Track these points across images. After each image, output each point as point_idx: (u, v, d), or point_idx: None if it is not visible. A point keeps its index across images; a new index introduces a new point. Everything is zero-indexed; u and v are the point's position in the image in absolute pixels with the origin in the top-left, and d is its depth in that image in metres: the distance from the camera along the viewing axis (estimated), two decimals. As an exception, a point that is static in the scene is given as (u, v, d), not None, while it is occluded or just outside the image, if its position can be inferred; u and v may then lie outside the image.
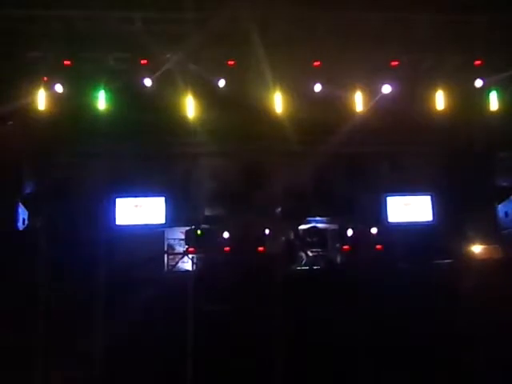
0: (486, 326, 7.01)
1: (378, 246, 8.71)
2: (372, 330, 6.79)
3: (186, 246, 8.73)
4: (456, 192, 9.02)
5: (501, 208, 9.33)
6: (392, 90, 8.51)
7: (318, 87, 8.46)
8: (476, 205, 8.94)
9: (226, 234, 8.68)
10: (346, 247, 8.73)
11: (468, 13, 7.53)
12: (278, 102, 8.53)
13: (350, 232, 8.81)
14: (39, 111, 8.08)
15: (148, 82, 8.15)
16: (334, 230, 9.06)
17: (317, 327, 6.79)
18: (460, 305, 7.16)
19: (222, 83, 8.38)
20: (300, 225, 9.00)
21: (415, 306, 6.98)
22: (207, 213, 9.28)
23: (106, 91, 8.27)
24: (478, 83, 8.51)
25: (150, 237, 8.73)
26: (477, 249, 8.58)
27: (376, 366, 6.69)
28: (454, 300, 7.20)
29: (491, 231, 8.98)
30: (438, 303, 7.20)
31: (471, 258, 8.48)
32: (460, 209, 8.86)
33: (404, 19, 7.80)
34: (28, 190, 9.02)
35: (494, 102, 8.65)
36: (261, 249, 8.66)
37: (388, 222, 9.08)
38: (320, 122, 8.95)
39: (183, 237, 8.83)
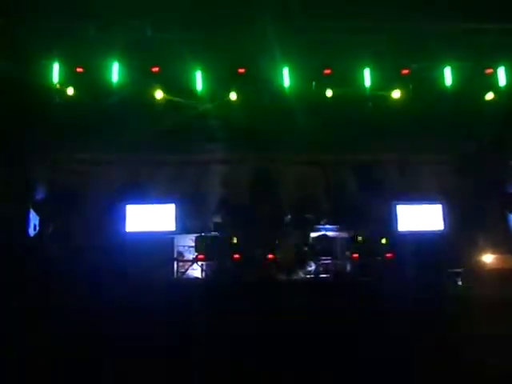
0: (498, 336, 6.92)
1: (388, 255, 8.66)
2: (379, 337, 6.72)
3: (196, 253, 8.72)
4: (467, 201, 8.97)
5: (513, 217, 9.27)
6: (402, 98, 8.54)
7: (328, 94, 8.52)
8: (488, 213, 8.89)
9: (235, 242, 8.69)
10: (355, 255, 8.69)
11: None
12: (288, 110, 8.59)
13: (359, 240, 8.77)
14: (52, 117, 8.19)
15: (159, 94, 8.24)
16: (343, 238, 9.02)
17: (323, 335, 6.73)
18: (471, 315, 7.08)
19: (232, 91, 8.45)
20: (310, 233, 8.98)
21: (425, 314, 6.92)
22: (217, 220, 9.28)
23: (117, 98, 8.36)
24: (489, 96, 8.54)
25: (159, 244, 8.74)
26: (488, 258, 8.50)
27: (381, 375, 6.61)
28: (465, 310, 7.13)
29: (503, 240, 8.90)
30: (448, 312, 7.13)
31: (483, 267, 8.39)
32: (471, 218, 8.80)
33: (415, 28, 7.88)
34: (39, 196, 9.09)
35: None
36: (270, 256, 8.66)
37: (398, 231, 9.02)
38: (330, 129, 8.99)
39: (193, 244, 8.83)
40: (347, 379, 6.40)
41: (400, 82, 8.53)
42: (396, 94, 8.59)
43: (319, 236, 8.98)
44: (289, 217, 9.26)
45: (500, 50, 8.22)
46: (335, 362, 6.46)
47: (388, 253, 8.67)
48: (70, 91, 8.10)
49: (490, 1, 7.24)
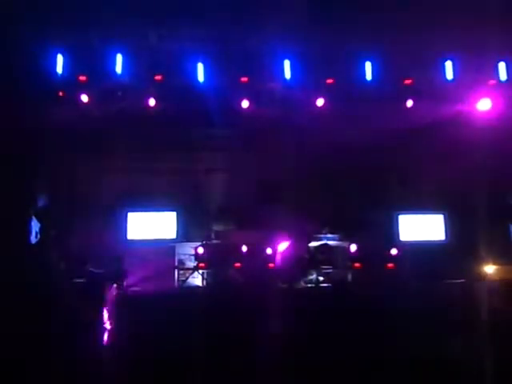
0: (500, 347, 6.90)
1: (390, 265, 8.65)
2: (380, 349, 6.69)
3: (197, 262, 8.71)
4: (469, 211, 8.96)
5: (515, 227, 9.24)
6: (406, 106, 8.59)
7: (330, 103, 8.55)
8: (489, 224, 8.87)
9: (236, 250, 8.70)
10: (356, 265, 8.68)
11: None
12: (290, 118, 8.62)
13: (361, 250, 8.76)
14: (54, 125, 8.19)
15: (152, 101, 8.26)
16: (344, 247, 9.01)
17: (326, 344, 6.71)
18: (473, 325, 7.06)
19: (234, 98, 8.48)
20: (311, 242, 8.97)
21: (426, 325, 6.90)
22: (218, 228, 9.27)
23: (120, 106, 8.39)
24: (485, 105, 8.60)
25: (160, 252, 8.74)
26: (490, 269, 8.49)
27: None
28: (466, 320, 7.11)
29: (505, 251, 8.89)
30: (449, 323, 7.12)
31: (484, 278, 8.38)
32: (473, 228, 8.80)
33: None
34: (41, 204, 9.10)
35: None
36: (271, 265, 8.66)
37: (400, 241, 9.02)
38: (333, 138, 9.00)
39: (194, 252, 8.82)
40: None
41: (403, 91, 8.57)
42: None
43: (320, 245, 8.97)
44: (290, 225, 9.24)
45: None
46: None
47: (390, 262, 8.66)
48: (73, 99, 8.13)
49: None
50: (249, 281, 8.44)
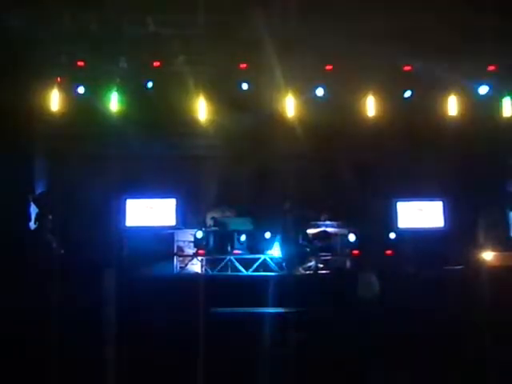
0: (497, 333, 6.92)
1: (388, 252, 8.66)
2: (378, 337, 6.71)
3: (196, 248, 8.73)
4: (468, 198, 8.96)
5: (513, 214, 9.25)
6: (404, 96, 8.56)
7: (329, 91, 8.51)
8: (488, 211, 8.88)
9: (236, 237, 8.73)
10: (355, 252, 8.69)
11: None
12: (289, 106, 8.60)
13: (359, 237, 8.77)
14: (52, 111, 8.18)
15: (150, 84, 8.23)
16: (343, 234, 9.02)
17: (324, 330, 6.74)
18: (471, 312, 7.08)
19: (233, 86, 8.45)
20: (309, 229, 8.98)
21: (425, 312, 6.92)
22: (217, 215, 9.28)
23: (118, 93, 8.37)
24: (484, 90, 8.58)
25: (159, 238, 8.76)
26: (488, 256, 8.50)
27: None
28: (464, 306, 7.12)
29: (503, 238, 8.90)
30: (448, 309, 7.13)
31: (483, 264, 8.39)
32: (472, 215, 8.80)
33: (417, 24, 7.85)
34: (40, 190, 9.11)
35: (507, 108, 8.72)
36: (270, 252, 8.70)
37: (398, 228, 9.03)
38: (332, 126, 8.99)
39: (193, 239, 8.83)
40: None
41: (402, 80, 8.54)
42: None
43: (319, 232, 8.98)
44: (289, 212, 9.25)
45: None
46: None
47: (388, 249, 8.67)
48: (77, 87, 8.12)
49: None
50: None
